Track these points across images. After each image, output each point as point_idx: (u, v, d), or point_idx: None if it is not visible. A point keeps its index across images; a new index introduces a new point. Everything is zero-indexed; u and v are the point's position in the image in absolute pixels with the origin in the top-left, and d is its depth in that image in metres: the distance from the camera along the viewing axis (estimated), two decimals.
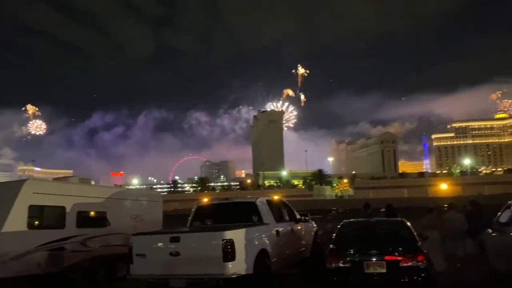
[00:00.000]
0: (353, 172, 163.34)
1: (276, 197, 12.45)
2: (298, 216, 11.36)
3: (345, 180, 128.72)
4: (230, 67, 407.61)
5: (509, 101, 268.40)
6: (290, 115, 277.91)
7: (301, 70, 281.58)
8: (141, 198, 14.58)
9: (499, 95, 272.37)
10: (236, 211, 9.95)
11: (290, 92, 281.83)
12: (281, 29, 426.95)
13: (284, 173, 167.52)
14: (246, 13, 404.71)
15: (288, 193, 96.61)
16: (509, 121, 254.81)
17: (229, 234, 7.59)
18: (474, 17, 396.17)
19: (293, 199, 71.08)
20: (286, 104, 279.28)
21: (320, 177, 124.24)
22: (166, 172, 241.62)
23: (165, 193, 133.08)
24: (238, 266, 7.55)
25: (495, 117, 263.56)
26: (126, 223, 12.70)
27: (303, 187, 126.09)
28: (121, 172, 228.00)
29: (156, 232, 9.26)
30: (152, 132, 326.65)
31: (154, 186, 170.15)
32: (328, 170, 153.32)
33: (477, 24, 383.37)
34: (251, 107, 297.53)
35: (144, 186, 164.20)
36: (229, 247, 7.45)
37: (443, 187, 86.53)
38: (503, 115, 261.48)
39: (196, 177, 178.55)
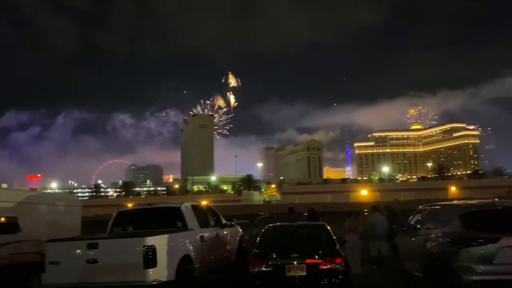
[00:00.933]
0: (281, 178, 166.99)
1: (203, 203, 12.37)
2: (223, 221, 11.36)
3: (273, 186, 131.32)
4: (159, 69, 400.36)
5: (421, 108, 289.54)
6: (220, 120, 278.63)
7: (232, 79, 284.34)
8: (58, 203, 13.69)
9: (417, 111, 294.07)
10: (160, 217, 9.73)
11: (221, 102, 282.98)
12: (214, 35, 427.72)
13: (213, 178, 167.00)
14: (179, 16, 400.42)
15: (217, 198, 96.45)
16: (424, 132, 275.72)
17: (150, 240, 7.40)
18: (395, 32, 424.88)
19: (221, 204, 71.14)
20: (217, 108, 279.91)
21: (249, 183, 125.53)
22: (88, 176, 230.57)
23: (86, 198, 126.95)
24: (159, 273, 7.37)
25: (411, 128, 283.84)
26: (41, 229, 11.85)
27: (232, 192, 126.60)
28: (38, 175, 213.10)
29: (72, 239, 8.78)
30: (72, 134, 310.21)
31: (75, 191, 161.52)
32: (257, 175, 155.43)
33: (397, 39, 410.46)
34: (178, 111, 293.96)
35: (63, 190, 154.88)
36: (150, 253, 7.25)
37: (363, 193, 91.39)
38: (418, 127, 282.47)
39: (120, 182, 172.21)
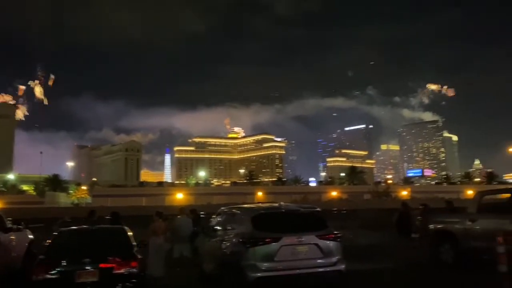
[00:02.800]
0: (94, 179, 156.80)
1: None
2: (7, 225, 9.99)
3: (84, 187, 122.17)
4: None
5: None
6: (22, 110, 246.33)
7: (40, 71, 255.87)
8: None
9: (228, 124, 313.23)
10: None
11: (38, 91, 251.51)
12: (36, 22, 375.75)
13: (11, 176, 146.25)
14: None
15: (14, 200, 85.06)
16: (239, 140, 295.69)
17: None
18: (219, 44, 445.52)
19: (19, 206, 62.82)
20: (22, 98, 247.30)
21: (55, 183, 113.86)
22: None
23: None
24: None
25: (228, 136, 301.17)
26: None
27: (34, 193, 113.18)
28: None
29: None
30: None
31: None
32: (67, 175, 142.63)
33: (221, 51, 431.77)
34: None
35: None
36: None
37: (179, 196, 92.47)
38: (235, 135, 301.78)
39: None
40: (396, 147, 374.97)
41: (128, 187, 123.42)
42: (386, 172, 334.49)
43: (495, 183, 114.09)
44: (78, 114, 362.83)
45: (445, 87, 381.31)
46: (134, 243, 8.60)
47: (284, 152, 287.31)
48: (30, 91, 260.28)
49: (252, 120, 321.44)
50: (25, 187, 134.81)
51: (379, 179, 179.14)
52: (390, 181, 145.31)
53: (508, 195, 10.61)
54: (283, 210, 8.49)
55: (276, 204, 8.96)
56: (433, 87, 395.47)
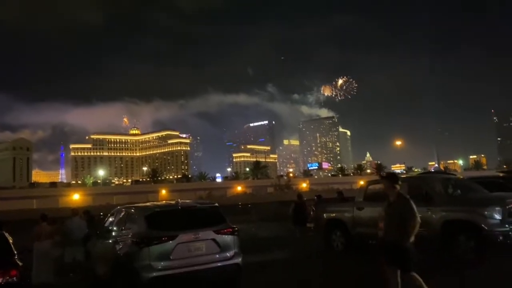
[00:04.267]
0: None
1: None
2: None
3: None
4: None
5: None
6: None
7: None
8: None
9: (127, 120, 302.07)
10: None
11: None
12: None
13: None
14: None
15: None
16: (141, 137, 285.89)
17: None
18: (116, 37, 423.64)
19: None
20: None
21: None
22: None
23: None
24: None
25: (129, 133, 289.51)
26: None
27: None
28: None
29: None
30: None
31: None
32: None
33: (117, 44, 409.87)
34: None
35: None
36: None
37: (75, 197, 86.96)
38: (136, 131, 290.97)
39: None
40: (297, 142, 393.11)
41: (16, 189, 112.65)
42: (288, 166, 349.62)
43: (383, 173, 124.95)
44: None
45: (342, 80, 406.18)
46: (15, 251, 7.84)
47: (189, 149, 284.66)
48: None
49: (153, 116, 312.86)
50: None
51: (281, 173, 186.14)
52: (291, 175, 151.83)
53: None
54: (179, 207, 8.34)
55: (173, 202, 8.80)
56: (327, 90, 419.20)
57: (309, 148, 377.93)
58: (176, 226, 7.71)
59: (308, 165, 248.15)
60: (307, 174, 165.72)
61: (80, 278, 10.88)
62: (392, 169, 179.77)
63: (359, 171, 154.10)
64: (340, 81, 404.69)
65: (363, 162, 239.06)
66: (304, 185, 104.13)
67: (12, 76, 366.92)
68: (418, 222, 6.02)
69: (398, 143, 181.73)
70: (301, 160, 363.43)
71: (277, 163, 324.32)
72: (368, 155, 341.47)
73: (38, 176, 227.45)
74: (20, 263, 7.36)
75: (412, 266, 6.02)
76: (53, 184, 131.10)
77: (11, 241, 8.13)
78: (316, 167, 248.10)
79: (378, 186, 10.34)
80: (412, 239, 5.99)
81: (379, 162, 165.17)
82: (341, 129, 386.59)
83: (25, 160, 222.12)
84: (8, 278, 6.91)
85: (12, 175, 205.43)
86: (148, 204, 9.58)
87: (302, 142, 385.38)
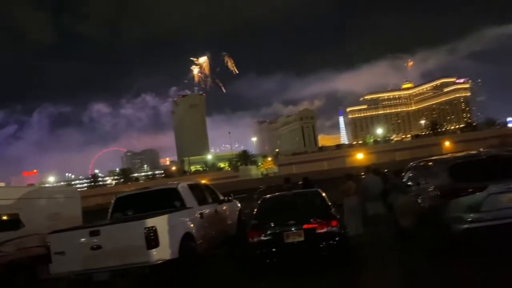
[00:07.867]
0: (276, 150, 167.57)
1: (201, 181, 12.54)
2: (221, 197, 11.57)
3: (269, 158, 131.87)
4: (134, 54, 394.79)
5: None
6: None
7: (201, 60, 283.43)
8: (57, 196, 13.86)
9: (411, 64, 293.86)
10: (158, 199, 9.89)
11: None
12: (189, 15, 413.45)
13: (209, 157, 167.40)
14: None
15: (214, 176, 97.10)
16: (414, 90, 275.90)
17: (150, 222, 7.59)
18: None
19: (220, 181, 71.67)
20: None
21: (245, 158, 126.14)
22: (84, 167, 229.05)
23: (85, 189, 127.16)
24: (162, 252, 7.58)
25: (402, 87, 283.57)
26: (42, 223, 12.03)
27: (229, 169, 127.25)
28: (35, 171, 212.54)
29: (73, 228, 8.95)
30: (51, 128, 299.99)
31: (73, 182, 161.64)
32: (252, 150, 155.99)
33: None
34: (154, 94, 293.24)
35: (62, 183, 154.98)
36: (151, 234, 7.44)
37: (359, 156, 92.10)
38: (409, 85, 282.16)
39: (117, 169, 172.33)
40: None
41: (308, 154, 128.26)
42: None
43: None
44: (245, 94, 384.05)
45: None
46: (330, 204, 9.05)
47: (469, 94, 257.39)
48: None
49: (420, 68, 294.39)
50: (221, 165, 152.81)
51: None
52: None
53: None
54: (484, 157, 7.77)
55: (474, 152, 8.25)
56: None
57: None
58: (482, 177, 7.24)
59: None
60: None
61: (384, 229, 11.58)
62: None
63: None
64: None
65: None
66: None
67: (281, 58, 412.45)
68: None
69: None
70: None
71: None
72: None
73: (323, 140, 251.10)
74: (337, 216, 8.49)
75: None
76: (339, 146, 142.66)
77: (325, 196, 9.43)
78: None
79: None
80: None
81: None
82: None
83: (311, 128, 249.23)
84: (330, 228, 8.09)
85: (303, 142, 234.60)
86: (447, 156, 9.29)
87: None
